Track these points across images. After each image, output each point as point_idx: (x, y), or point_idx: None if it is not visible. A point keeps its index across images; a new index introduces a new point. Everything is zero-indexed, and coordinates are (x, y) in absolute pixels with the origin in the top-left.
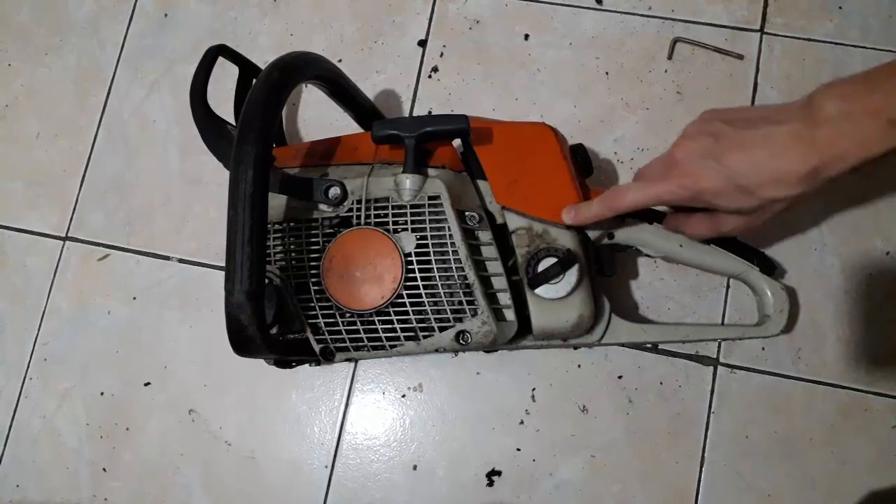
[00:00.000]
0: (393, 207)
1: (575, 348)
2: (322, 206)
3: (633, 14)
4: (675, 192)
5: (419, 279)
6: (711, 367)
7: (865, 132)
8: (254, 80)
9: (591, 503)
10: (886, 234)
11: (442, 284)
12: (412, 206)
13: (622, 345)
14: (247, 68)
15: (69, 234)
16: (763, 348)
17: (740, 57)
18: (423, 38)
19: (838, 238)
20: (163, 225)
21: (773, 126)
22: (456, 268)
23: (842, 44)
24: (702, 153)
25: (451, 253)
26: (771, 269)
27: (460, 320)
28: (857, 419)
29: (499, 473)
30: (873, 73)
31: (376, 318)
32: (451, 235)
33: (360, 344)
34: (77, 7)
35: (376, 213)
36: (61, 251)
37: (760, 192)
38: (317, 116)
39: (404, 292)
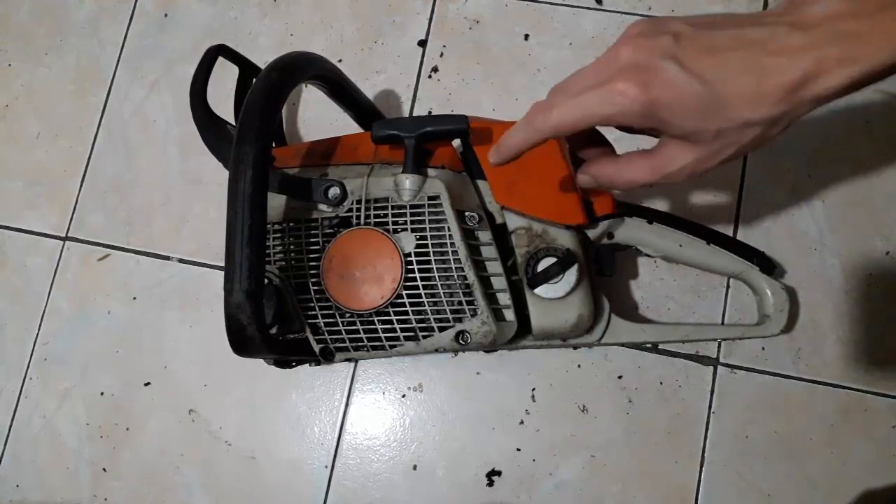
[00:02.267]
0: (393, 207)
1: (575, 348)
2: (322, 206)
3: (633, 14)
4: (619, 103)
5: (419, 279)
6: (711, 367)
7: (867, 36)
8: (254, 80)
9: (591, 503)
10: (886, 234)
11: (441, 284)
12: (412, 207)
13: (622, 345)
14: (247, 68)
15: (69, 234)
16: (763, 348)
17: None
18: (423, 38)
19: (838, 238)
20: (163, 225)
21: (747, 28)
22: (456, 268)
23: None
24: (659, 53)
25: (450, 253)
26: (771, 268)
27: (460, 320)
28: (857, 419)
29: (499, 473)
30: None
31: (376, 319)
32: (450, 235)
33: (360, 344)
34: (77, 7)
35: (376, 213)
36: (61, 251)
37: (731, 111)
38: (317, 116)
39: (404, 292)
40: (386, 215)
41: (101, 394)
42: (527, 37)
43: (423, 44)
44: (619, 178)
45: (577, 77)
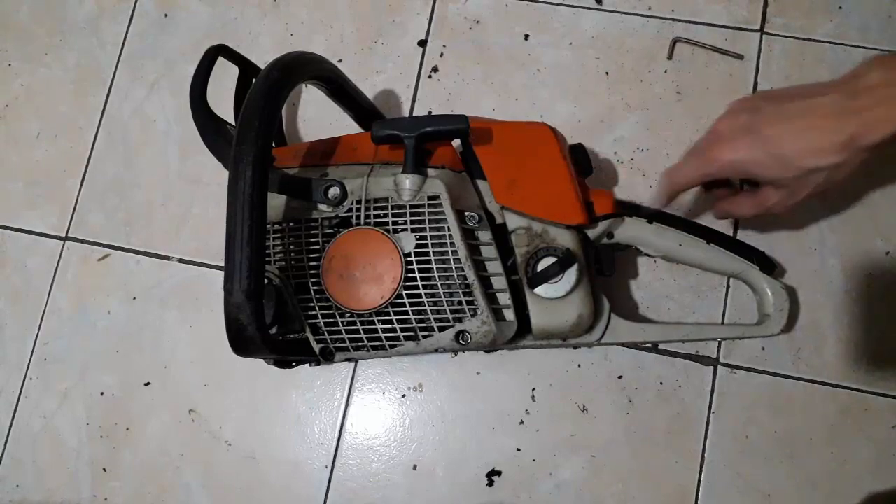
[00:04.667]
0: (392, 207)
1: (575, 348)
2: (322, 206)
3: (633, 14)
4: (716, 164)
5: (419, 279)
6: (711, 367)
7: None
8: (254, 80)
9: (590, 503)
10: (886, 234)
11: (441, 284)
12: (412, 206)
13: (622, 344)
14: (247, 68)
15: (69, 234)
16: (763, 348)
17: (740, 57)
18: (423, 38)
19: (838, 238)
20: (163, 225)
21: (812, 98)
22: (455, 268)
23: (842, 44)
24: (741, 126)
25: (450, 253)
26: (771, 268)
27: (460, 320)
28: (857, 419)
29: (499, 473)
30: None
31: (376, 319)
32: (450, 235)
33: (360, 344)
34: (77, 7)
35: (376, 213)
36: (61, 251)
37: (798, 161)
38: (317, 116)
39: (404, 292)
40: (386, 215)
41: (102, 394)
42: (527, 37)
43: (423, 44)
44: (737, 210)
45: (694, 147)
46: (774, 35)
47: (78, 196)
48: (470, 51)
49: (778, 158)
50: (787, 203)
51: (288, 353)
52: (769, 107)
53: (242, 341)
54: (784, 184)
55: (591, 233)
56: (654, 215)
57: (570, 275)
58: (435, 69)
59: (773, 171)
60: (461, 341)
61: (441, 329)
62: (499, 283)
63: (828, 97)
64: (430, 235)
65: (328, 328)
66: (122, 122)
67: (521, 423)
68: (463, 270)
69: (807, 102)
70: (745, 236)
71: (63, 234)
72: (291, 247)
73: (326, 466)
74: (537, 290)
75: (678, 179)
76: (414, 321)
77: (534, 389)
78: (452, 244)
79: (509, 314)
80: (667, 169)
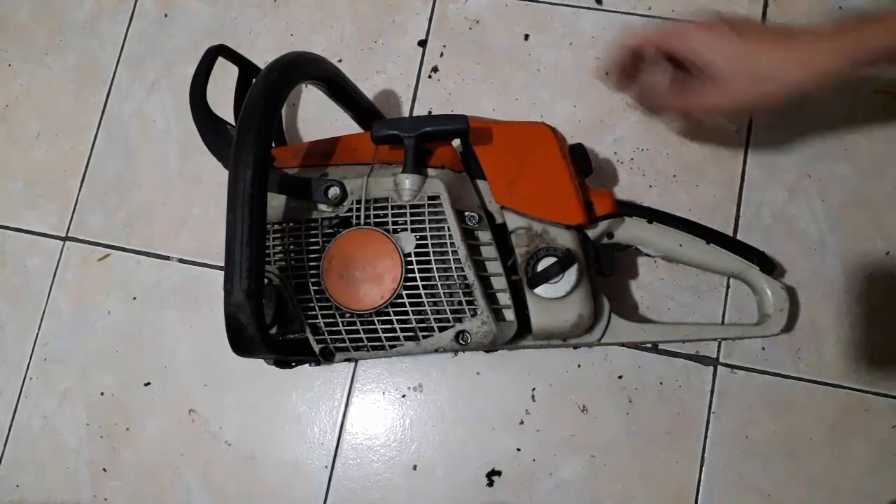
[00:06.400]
0: (392, 207)
1: (575, 348)
2: (321, 207)
3: (633, 14)
4: (687, 40)
5: (419, 279)
6: (711, 367)
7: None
8: (254, 81)
9: (590, 503)
10: (886, 234)
11: (441, 284)
12: (412, 206)
13: (622, 344)
14: (247, 68)
15: (69, 234)
16: (763, 348)
17: None
18: (423, 38)
19: (838, 238)
20: (163, 225)
21: (790, 30)
22: (455, 268)
23: None
24: (725, 26)
25: (450, 253)
26: (771, 268)
27: (460, 320)
28: (857, 419)
29: (499, 473)
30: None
31: (376, 319)
32: (450, 235)
33: (360, 344)
34: (77, 7)
35: (376, 213)
36: (61, 251)
37: (767, 68)
38: (317, 116)
39: (404, 292)
40: (386, 215)
41: (101, 394)
42: (527, 37)
43: (423, 44)
44: (669, 101)
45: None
46: None
47: (78, 196)
48: (470, 51)
49: (740, 57)
50: (720, 104)
51: (288, 353)
52: (751, 23)
53: (242, 341)
54: (728, 81)
55: (591, 233)
56: (654, 215)
57: (570, 275)
58: (435, 69)
59: (726, 66)
60: (461, 341)
61: (441, 329)
62: (499, 283)
63: (806, 31)
64: (430, 235)
65: (328, 328)
66: (122, 122)
67: (521, 423)
68: (463, 270)
69: (788, 30)
70: (744, 236)
71: (63, 234)
72: (291, 247)
73: (326, 466)
74: (537, 290)
75: (643, 36)
76: (414, 321)
77: (534, 389)
78: (452, 244)
79: (509, 314)
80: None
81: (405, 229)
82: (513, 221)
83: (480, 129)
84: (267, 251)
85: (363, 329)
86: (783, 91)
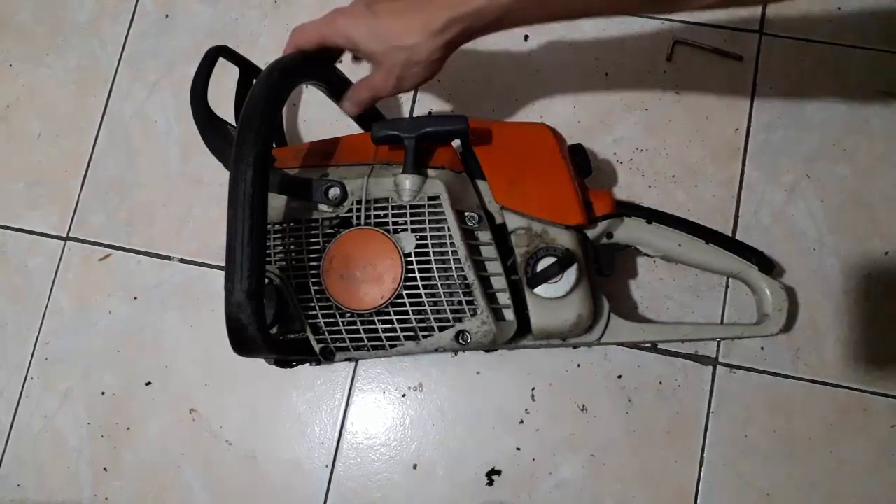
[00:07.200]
0: (393, 208)
1: (574, 348)
2: (322, 207)
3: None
4: (333, 29)
5: (419, 279)
6: (711, 367)
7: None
8: (254, 81)
9: (591, 503)
10: (885, 234)
11: (441, 284)
12: (412, 207)
13: (621, 344)
14: (247, 69)
15: (70, 234)
16: (762, 348)
17: (739, 58)
18: None
19: (838, 238)
20: (164, 225)
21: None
22: (455, 268)
23: (840, 44)
24: (361, 3)
25: (450, 253)
26: (770, 267)
27: (460, 320)
28: (857, 419)
29: (499, 473)
30: None
31: (376, 318)
32: (450, 235)
33: (360, 344)
34: (78, 7)
35: (376, 213)
36: (62, 251)
37: (389, 37)
38: (317, 117)
39: (404, 292)
40: (386, 215)
41: (102, 393)
42: (527, 37)
43: None
44: (357, 95)
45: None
46: (773, 36)
47: (79, 196)
48: (470, 51)
49: (376, 32)
50: (387, 84)
51: (288, 353)
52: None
53: (243, 341)
54: (378, 59)
55: (591, 233)
56: (653, 215)
57: (570, 275)
58: None
59: (371, 45)
60: (461, 341)
61: (441, 329)
62: (499, 283)
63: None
64: (430, 235)
65: (328, 328)
66: (123, 122)
67: (521, 422)
68: (463, 270)
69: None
70: (744, 236)
71: (64, 235)
72: (292, 247)
73: (327, 466)
74: (537, 290)
75: (303, 35)
76: (414, 321)
77: (534, 389)
78: (452, 244)
79: (509, 314)
80: (298, 25)
81: (405, 229)
82: (512, 221)
83: (480, 129)
84: (268, 251)
85: (363, 329)
86: (422, 58)
